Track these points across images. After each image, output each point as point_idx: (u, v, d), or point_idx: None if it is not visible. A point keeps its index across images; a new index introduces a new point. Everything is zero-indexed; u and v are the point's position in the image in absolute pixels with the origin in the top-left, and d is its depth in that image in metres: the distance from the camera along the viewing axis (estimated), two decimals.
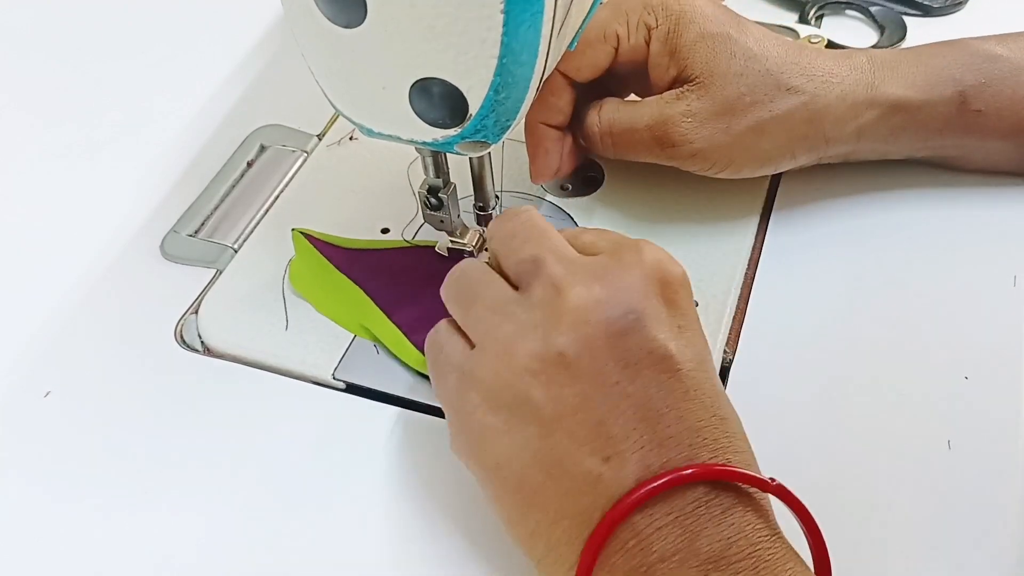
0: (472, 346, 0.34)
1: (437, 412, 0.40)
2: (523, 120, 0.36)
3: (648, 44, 0.42)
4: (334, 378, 0.41)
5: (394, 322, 0.42)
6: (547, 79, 0.42)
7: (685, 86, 0.42)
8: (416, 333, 0.41)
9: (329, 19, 0.32)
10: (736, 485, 0.30)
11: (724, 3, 0.44)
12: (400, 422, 0.39)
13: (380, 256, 0.45)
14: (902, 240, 0.44)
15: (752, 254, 0.44)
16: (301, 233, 0.44)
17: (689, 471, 0.29)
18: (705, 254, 0.44)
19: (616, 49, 0.42)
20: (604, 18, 0.42)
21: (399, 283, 0.43)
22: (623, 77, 0.44)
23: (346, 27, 0.32)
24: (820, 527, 0.30)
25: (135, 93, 0.56)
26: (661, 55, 0.42)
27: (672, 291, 0.33)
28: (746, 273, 0.44)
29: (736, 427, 0.32)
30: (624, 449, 0.30)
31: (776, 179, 0.47)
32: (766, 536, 0.29)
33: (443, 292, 0.36)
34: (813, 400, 0.39)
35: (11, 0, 0.63)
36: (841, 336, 0.41)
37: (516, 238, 0.35)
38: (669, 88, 0.43)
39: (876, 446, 0.38)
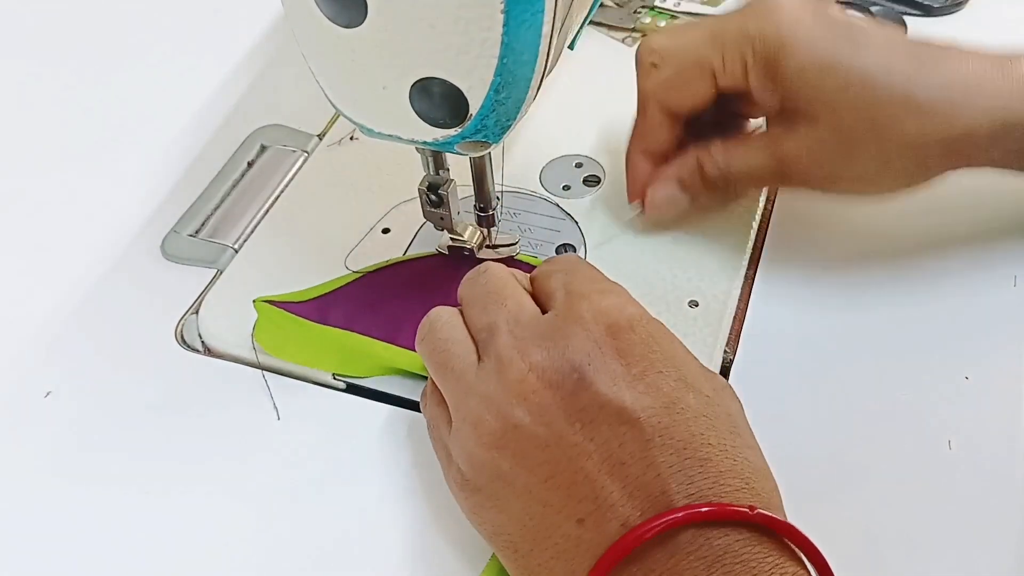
0: (451, 419, 0.34)
1: None
2: (523, 118, 0.36)
3: (746, 75, 0.39)
4: (334, 378, 0.41)
5: (403, 346, 0.41)
6: (646, 113, 0.42)
7: (795, 118, 0.39)
8: None
9: (329, 19, 0.32)
10: (735, 527, 0.29)
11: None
12: (400, 422, 0.39)
13: (348, 291, 0.43)
14: (903, 240, 0.44)
15: (752, 254, 0.44)
16: (264, 301, 0.43)
17: (656, 523, 0.28)
18: (705, 254, 0.44)
19: (715, 81, 0.40)
20: (699, 48, 0.40)
21: (386, 308, 0.42)
22: (731, 99, 0.42)
23: (346, 27, 0.32)
24: (827, 560, 0.29)
25: (135, 93, 0.56)
26: (762, 87, 0.39)
27: (621, 340, 0.32)
28: (746, 273, 0.44)
29: (727, 461, 0.30)
30: (596, 509, 0.30)
31: None
32: None
33: (418, 346, 0.37)
34: (813, 400, 0.39)
35: (11, 0, 0.63)
36: (841, 336, 0.41)
37: (476, 305, 0.35)
38: (778, 115, 0.40)
39: (876, 446, 0.38)
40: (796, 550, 0.30)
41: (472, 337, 0.35)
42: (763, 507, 0.29)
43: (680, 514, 0.28)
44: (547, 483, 0.31)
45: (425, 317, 0.37)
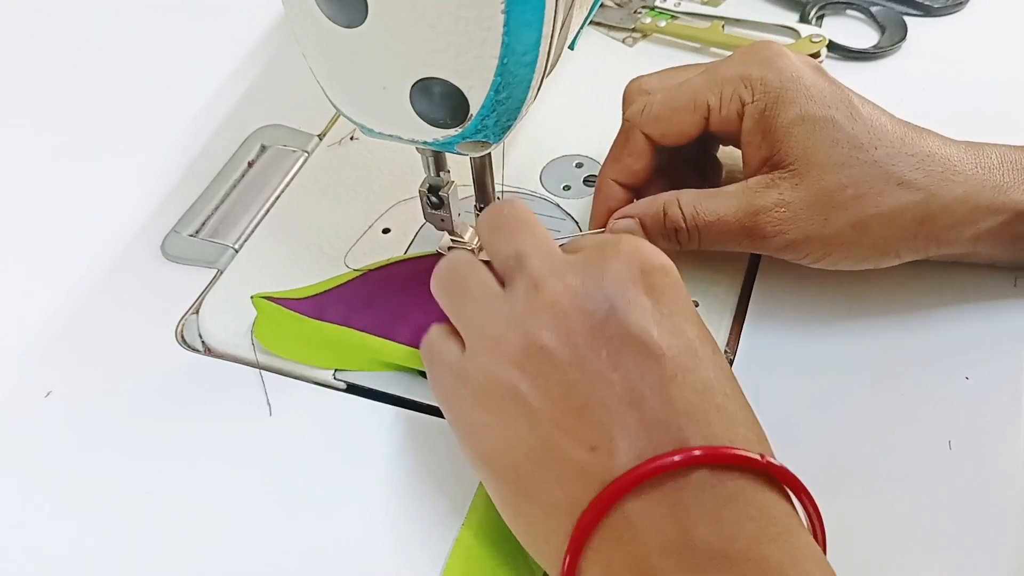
0: (463, 346, 0.34)
1: (437, 412, 0.40)
2: (523, 118, 0.36)
3: (740, 119, 0.39)
4: (334, 378, 0.41)
5: (400, 342, 0.41)
6: (628, 139, 0.42)
7: (778, 172, 0.39)
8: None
9: (330, 19, 0.32)
10: (744, 473, 0.29)
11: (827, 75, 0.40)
12: (400, 422, 0.39)
13: (347, 289, 0.43)
14: None
15: (752, 254, 0.44)
16: (262, 297, 0.42)
17: (676, 457, 0.29)
18: (705, 254, 0.44)
19: (706, 119, 0.40)
20: (698, 86, 0.40)
21: (384, 305, 0.42)
22: (713, 137, 0.42)
23: (347, 27, 0.32)
24: (819, 507, 0.30)
25: (135, 93, 0.56)
26: (753, 133, 0.39)
27: (654, 279, 0.32)
28: (746, 273, 0.44)
29: (741, 414, 0.31)
30: (610, 437, 0.30)
31: None
32: (775, 533, 0.29)
33: (433, 285, 0.36)
34: (813, 400, 0.39)
35: (11, 0, 0.63)
36: (841, 336, 0.41)
37: (500, 232, 0.35)
38: (760, 166, 0.39)
39: (876, 446, 0.38)
40: (794, 504, 0.30)
41: (493, 270, 0.35)
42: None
43: (699, 452, 0.29)
44: (561, 406, 0.31)
45: (442, 259, 0.36)
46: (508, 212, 0.36)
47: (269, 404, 0.40)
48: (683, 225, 0.40)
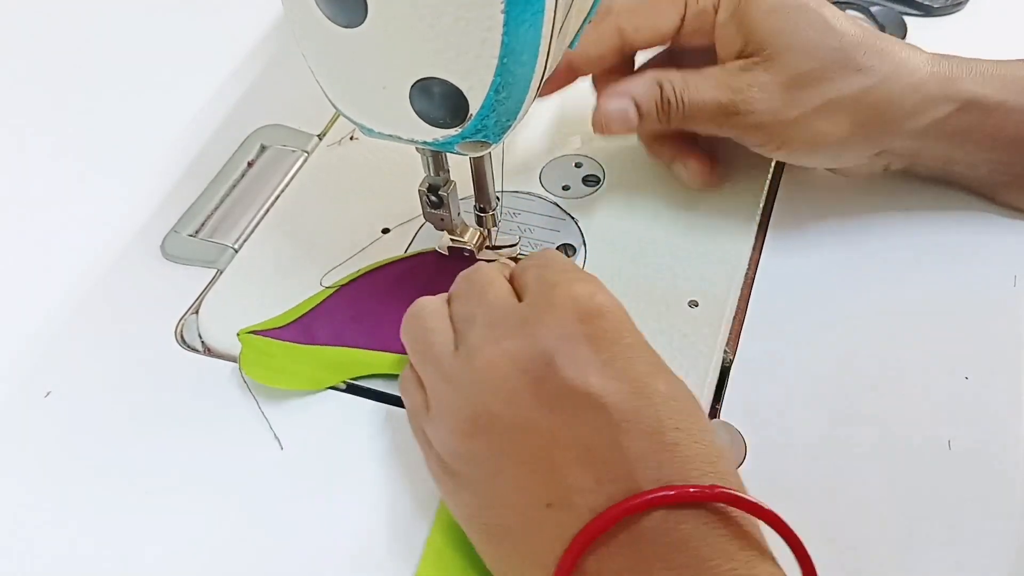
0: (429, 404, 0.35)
1: None
2: (523, 118, 0.36)
3: (715, 10, 0.41)
4: None
5: (395, 351, 0.41)
6: (600, 27, 0.42)
7: (752, 58, 0.41)
8: None
9: (329, 19, 0.32)
10: (700, 509, 0.29)
11: None
12: (400, 422, 0.39)
13: (329, 306, 0.43)
14: (902, 240, 0.44)
15: (752, 254, 0.44)
16: (248, 332, 0.42)
17: (619, 509, 0.29)
18: (705, 254, 0.44)
19: (682, 18, 0.41)
20: None
21: (372, 317, 0.42)
22: (683, 53, 0.43)
23: (346, 27, 0.32)
24: (794, 531, 0.29)
25: (135, 93, 0.56)
26: (728, 25, 0.41)
27: (592, 326, 0.32)
28: (746, 273, 0.44)
29: (696, 446, 0.30)
30: (565, 493, 0.30)
31: (776, 179, 0.47)
32: (729, 570, 0.28)
33: (403, 331, 0.37)
34: (813, 400, 0.39)
35: (11, 0, 0.63)
36: (841, 336, 0.41)
37: (460, 298, 0.36)
38: (736, 58, 0.41)
39: (876, 446, 0.38)
40: (759, 529, 0.30)
41: (453, 327, 0.35)
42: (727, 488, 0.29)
43: (639, 500, 0.29)
44: (519, 468, 0.31)
45: (412, 305, 0.37)
46: (471, 277, 0.36)
47: (278, 439, 0.39)
48: (674, 100, 0.42)
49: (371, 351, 0.41)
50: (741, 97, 0.40)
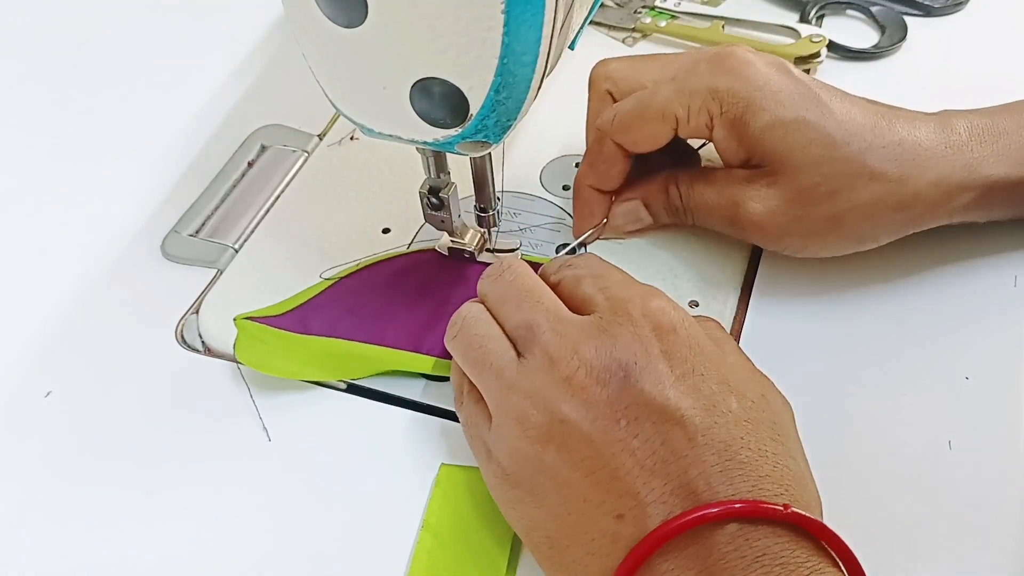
0: (489, 414, 0.34)
1: (437, 412, 0.40)
2: (523, 118, 0.36)
3: (710, 129, 0.40)
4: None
5: (390, 346, 0.41)
6: (601, 148, 0.43)
7: (756, 171, 0.40)
8: (423, 342, 0.41)
9: (330, 19, 0.32)
10: (772, 526, 0.29)
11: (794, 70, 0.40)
12: (400, 422, 0.39)
13: (326, 298, 0.43)
14: (902, 240, 0.44)
15: (752, 255, 0.44)
16: (244, 318, 0.42)
17: (690, 517, 0.29)
18: (705, 255, 0.44)
19: (675, 130, 0.41)
20: (666, 96, 0.40)
21: (368, 310, 0.42)
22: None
23: (347, 27, 0.32)
24: (858, 559, 0.29)
25: (135, 93, 0.56)
26: (728, 140, 0.40)
27: (668, 341, 0.32)
28: (746, 274, 0.44)
29: (767, 465, 0.31)
30: (636, 505, 0.30)
31: None
32: None
33: (449, 345, 0.37)
34: (813, 400, 0.39)
35: (11, 0, 0.63)
36: (841, 336, 0.41)
37: (508, 303, 0.35)
38: (740, 166, 0.41)
39: (876, 446, 0.38)
40: (832, 553, 0.30)
41: (507, 334, 0.35)
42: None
43: (715, 509, 0.29)
44: (589, 478, 0.31)
45: (455, 314, 0.37)
46: (510, 280, 0.36)
47: (266, 430, 0.39)
48: (680, 204, 0.42)
49: (365, 344, 0.41)
50: (745, 211, 0.40)
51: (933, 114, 0.40)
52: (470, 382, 0.36)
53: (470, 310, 0.36)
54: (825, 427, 0.38)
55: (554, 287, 0.36)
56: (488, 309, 0.36)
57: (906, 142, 0.39)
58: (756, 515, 0.29)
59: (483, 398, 0.35)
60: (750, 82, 0.39)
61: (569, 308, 0.35)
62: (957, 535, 0.35)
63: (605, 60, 0.44)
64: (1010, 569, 0.34)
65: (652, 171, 0.44)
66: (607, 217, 0.44)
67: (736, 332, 0.42)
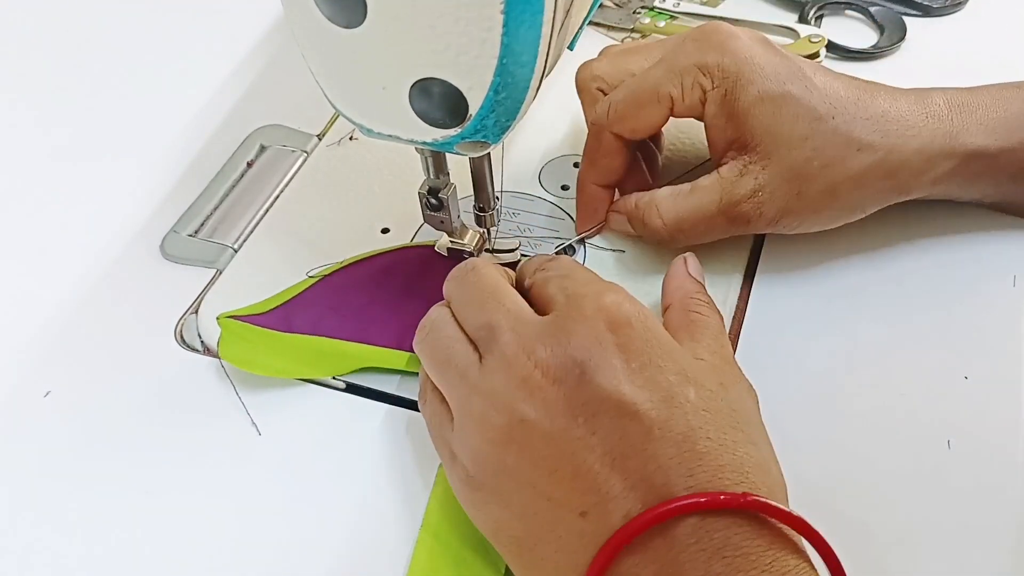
0: (451, 415, 0.35)
1: None
2: (523, 119, 0.36)
3: (703, 104, 0.40)
4: (334, 378, 0.41)
5: (374, 344, 0.41)
6: (600, 142, 0.43)
7: (746, 156, 0.40)
8: (405, 338, 0.41)
9: (329, 19, 0.32)
10: (733, 516, 0.29)
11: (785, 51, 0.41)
12: (400, 422, 0.39)
13: (309, 296, 0.43)
14: (902, 240, 0.44)
15: (752, 252, 0.44)
16: (227, 317, 0.42)
17: (654, 513, 0.29)
18: (705, 255, 0.44)
19: (671, 109, 0.41)
20: (657, 78, 0.41)
21: (352, 308, 0.42)
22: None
23: (346, 27, 0.32)
24: (825, 539, 0.29)
25: (135, 93, 0.56)
26: (718, 117, 0.40)
27: (623, 335, 0.32)
28: (746, 273, 0.44)
29: (727, 455, 0.31)
30: (598, 501, 0.30)
31: None
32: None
33: (417, 348, 0.37)
34: (813, 400, 0.39)
35: (12, 0, 0.63)
36: (841, 336, 0.41)
37: (471, 304, 0.35)
38: (727, 148, 0.41)
39: (876, 446, 0.38)
40: (797, 538, 0.30)
41: (468, 335, 0.35)
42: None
43: (674, 504, 0.29)
44: (551, 477, 0.31)
45: (424, 317, 0.37)
46: (473, 281, 0.36)
47: (255, 425, 0.39)
48: (661, 226, 0.42)
49: (348, 342, 0.41)
50: (747, 206, 0.40)
51: (911, 89, 0.42)
52: (433, 384, 0.36)
53: (437, 313, 0.37)
54: (825, 427, 0.38)
55: (528, 290, 0.37)
56: (452, 311, 0.36)
57: (889, 114, 0.40)
58: (715, 507, 0.29)
59: (444, 399, 0.35)
60: (737, 55, 0.40)
61: (536, 310, 0.35)
62: (957, 535, 0.35)
63: (587, 62, 0.44)
64: (1010, 569, 0.34)
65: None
66: (607, 218, 0.45)
67: (736, 332, 0.42)
